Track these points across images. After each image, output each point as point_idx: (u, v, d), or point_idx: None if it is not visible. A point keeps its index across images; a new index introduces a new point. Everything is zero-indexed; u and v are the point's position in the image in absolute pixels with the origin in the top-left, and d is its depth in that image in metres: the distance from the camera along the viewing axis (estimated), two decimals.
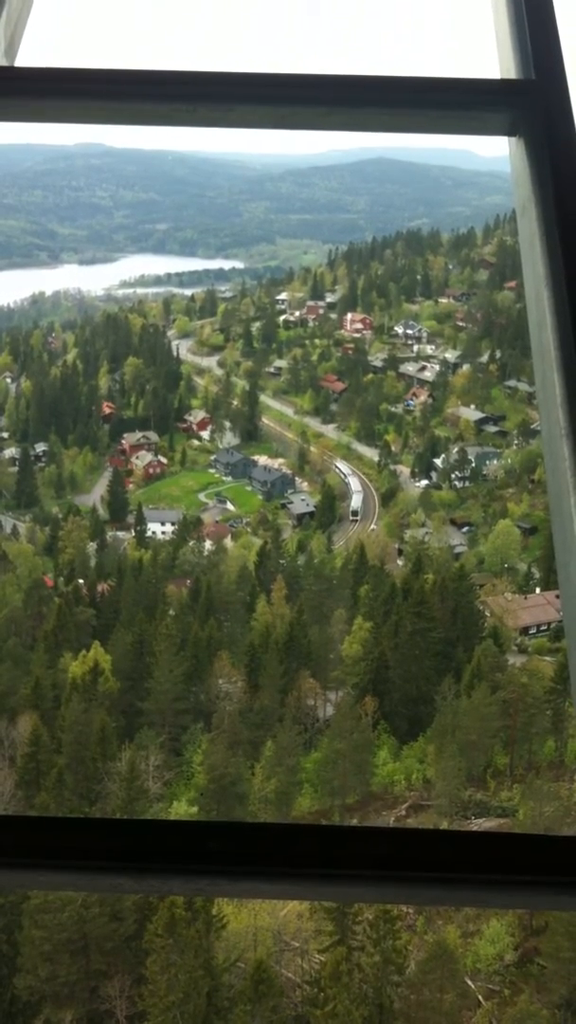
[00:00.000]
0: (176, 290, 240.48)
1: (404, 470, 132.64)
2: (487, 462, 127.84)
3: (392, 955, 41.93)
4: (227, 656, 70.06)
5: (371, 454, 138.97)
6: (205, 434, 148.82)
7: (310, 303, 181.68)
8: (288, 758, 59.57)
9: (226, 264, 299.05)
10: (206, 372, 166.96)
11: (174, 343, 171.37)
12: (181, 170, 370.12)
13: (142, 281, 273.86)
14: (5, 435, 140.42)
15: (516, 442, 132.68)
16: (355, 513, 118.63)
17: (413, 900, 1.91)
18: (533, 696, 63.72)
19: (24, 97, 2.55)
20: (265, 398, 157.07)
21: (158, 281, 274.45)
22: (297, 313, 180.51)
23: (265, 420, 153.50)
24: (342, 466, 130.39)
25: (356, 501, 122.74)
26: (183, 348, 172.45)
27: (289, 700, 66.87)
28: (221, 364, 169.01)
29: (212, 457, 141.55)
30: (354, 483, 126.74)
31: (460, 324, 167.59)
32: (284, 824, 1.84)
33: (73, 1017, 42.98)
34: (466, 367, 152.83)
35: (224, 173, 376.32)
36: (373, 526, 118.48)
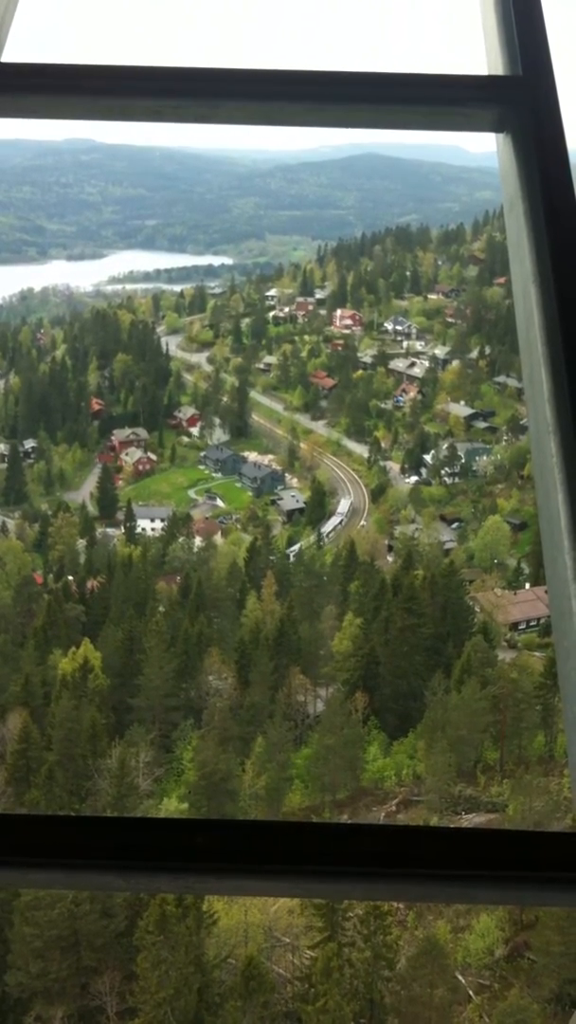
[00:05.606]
0: (165, 286, 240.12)
1: (394, 466, 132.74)
2: (477, 458, 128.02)
3: (383, 950, 42.02)
4: (217, 652, 70.05)
5: (361, 450, 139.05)
6: (195, 430, 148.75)
7: (299, 299, 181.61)
8: (278, 754, 59.59)
9: (215, 260, 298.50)
10: (195, 368, 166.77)
11: (163, 339, 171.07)
12: (170, 166, 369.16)
13: (131, 277, 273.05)
14: None
15: (506, 438, 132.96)
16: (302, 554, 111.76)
17: (403, 896, 1.91)
18: (523, 691, 63.85)
19: (12, 93, 2.54)
20: (255, 394, 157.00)
21: (147, 277, 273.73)
22: (287, 309, 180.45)
23: (255, 416, 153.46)
24: (343, 505, 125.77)
25: (329, 524, 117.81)
26: (172, 344, 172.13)
27: (279, 696, 66.86)
28: (211, 360, 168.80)
29: (202, 453, 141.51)
30: (332, 523, 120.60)
31: (450, 320, 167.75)
32: (274, 821, 1.84)
33: (64, 1013, 42.98)
34: (455, 363, 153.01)
35: (213, 169, 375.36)
36: (363, 522, 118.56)
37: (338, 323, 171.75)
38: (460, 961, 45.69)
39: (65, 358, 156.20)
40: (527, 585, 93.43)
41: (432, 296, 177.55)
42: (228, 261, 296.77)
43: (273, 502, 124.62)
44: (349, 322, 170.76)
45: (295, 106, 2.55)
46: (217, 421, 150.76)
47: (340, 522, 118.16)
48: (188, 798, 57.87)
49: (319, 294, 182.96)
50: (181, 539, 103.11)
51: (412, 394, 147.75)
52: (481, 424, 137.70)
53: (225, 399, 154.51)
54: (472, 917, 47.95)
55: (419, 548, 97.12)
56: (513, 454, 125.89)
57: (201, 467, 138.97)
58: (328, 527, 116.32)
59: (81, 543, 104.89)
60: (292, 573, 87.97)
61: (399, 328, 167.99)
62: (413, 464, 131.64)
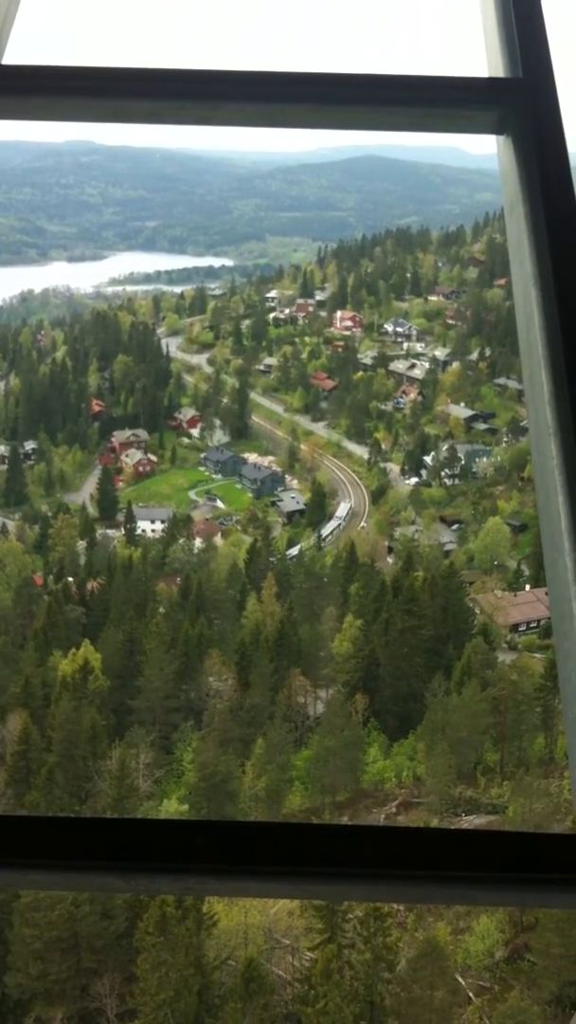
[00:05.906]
0: (165, 288, 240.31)
1: (394, 468, 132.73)
2: (477, 460, 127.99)
3: (383, 952, 41.95)
4: (217, 654, 70.01)
5: (361, 452, 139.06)
6: (195, 432, 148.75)
7: (300, 301, 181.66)
8: (279, 756, 59.55)
9: (216, 262, 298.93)
10: (196, 370, 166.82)
11: (163, 341, 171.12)
12: (170, 168, 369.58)
13: (131, 279, 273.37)
14: None
15: (506, 439, 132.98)
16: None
17: (403, 898, 1.91)
18: (523, 693, 63.80)
19: (12, 95, 2.54)
20: (255, 396, 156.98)
21: (147, 279, 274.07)
22: (287, 311, 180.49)
23: (255, 418, 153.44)
24: (341, 508, 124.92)
25: (327, 528, 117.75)
26: (173, 346, 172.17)
27: (280, 698, 66.83)
28: (211, 362, 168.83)
29: (202, 455, 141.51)
30: (330, 526, 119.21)
31: (450, 322, 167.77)
32: (274, 822, 1.84)
33: (64, 1015, 42.96)
34: (456, 365, 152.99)
35: (213, 171, 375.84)
36: (363, 524, 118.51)
37: (338, 325, 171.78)
38: (460, 963, 45.66)
39: (65, 359, 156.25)
40: (527, 587, 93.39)
41: (432, 298, 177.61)
42: (228, 263, 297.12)
43: (273, 503, 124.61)
44: (349, 324, 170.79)
45: (295, 108, 2.55)
46: (217, 422, 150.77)
47: (338, 525, 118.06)
48: (188, 800, 57.85)
49: (319, 296, 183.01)
50: (181, 540, 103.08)
51: (412, 396, 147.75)
52: (481, 426, 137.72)
53: (225, 400, 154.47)
54: (472, 919, 47.92)
55: (419, 550, 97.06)
56: (513, 456, 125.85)
57: (201, 468, 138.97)
58: (326, 531, 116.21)
59: (81, 544, 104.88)
60: (292, 574, 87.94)
61: (399, 330, 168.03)
62: (413, 466, 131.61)
